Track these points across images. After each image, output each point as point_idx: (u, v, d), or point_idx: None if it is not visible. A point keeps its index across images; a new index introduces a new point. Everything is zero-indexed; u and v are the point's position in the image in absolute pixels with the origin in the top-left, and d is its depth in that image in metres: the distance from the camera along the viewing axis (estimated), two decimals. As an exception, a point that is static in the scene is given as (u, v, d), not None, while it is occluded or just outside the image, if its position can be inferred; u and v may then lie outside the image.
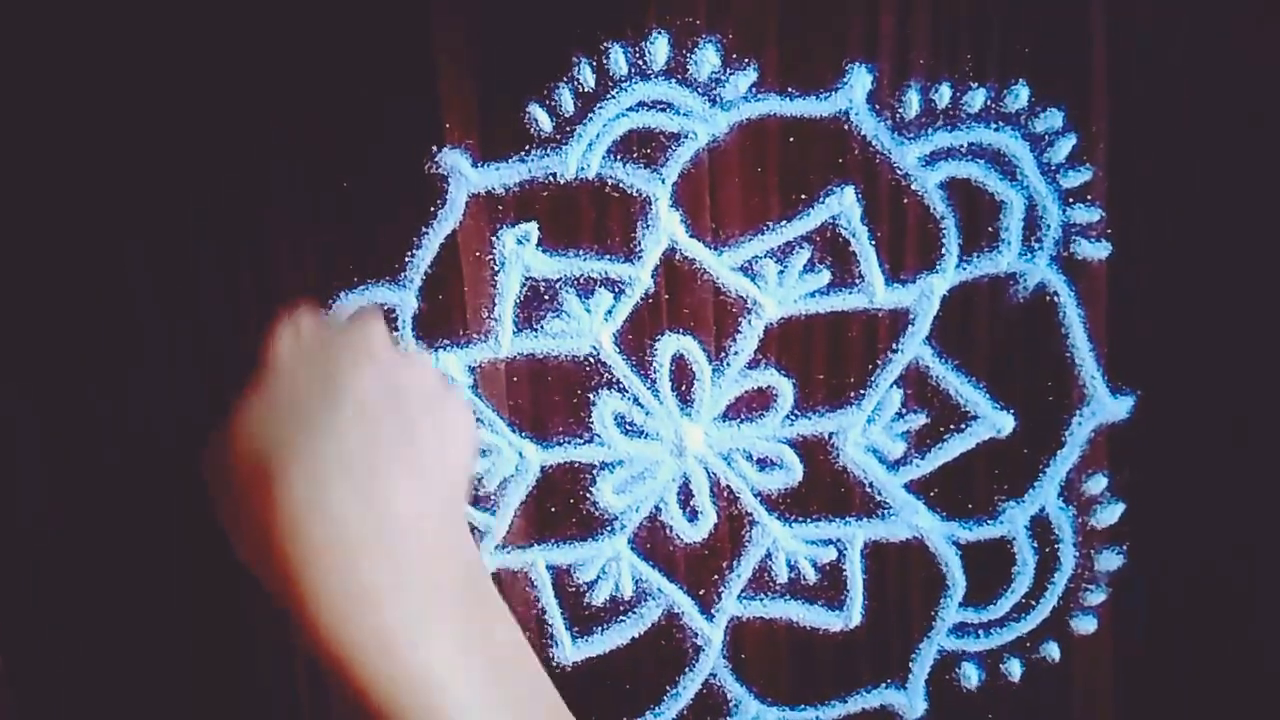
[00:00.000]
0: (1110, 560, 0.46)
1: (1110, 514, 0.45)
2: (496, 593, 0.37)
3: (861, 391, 0.44)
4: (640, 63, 0.42)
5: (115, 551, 0.43)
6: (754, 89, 0.42)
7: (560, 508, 0.45)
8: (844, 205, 0.43)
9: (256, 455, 0.34)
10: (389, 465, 0.34)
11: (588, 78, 0.42)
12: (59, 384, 0.42)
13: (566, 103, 0.42)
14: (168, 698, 0.44)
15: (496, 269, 0.43)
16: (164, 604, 0.44)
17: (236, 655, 0.44)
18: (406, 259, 0.42)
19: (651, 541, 0.45)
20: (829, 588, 0.46)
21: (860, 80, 0.42)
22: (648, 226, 0.43)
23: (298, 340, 0.37)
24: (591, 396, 0.44)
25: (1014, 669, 0.46)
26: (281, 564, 0.33)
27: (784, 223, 0.43)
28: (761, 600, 0.46)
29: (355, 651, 0.32)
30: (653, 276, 0.43)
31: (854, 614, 0.46)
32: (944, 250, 0.43)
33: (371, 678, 0.32)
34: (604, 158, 0.42)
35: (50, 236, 0.41)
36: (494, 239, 0.43)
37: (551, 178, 0.42)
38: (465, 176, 0.42)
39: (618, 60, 0.41)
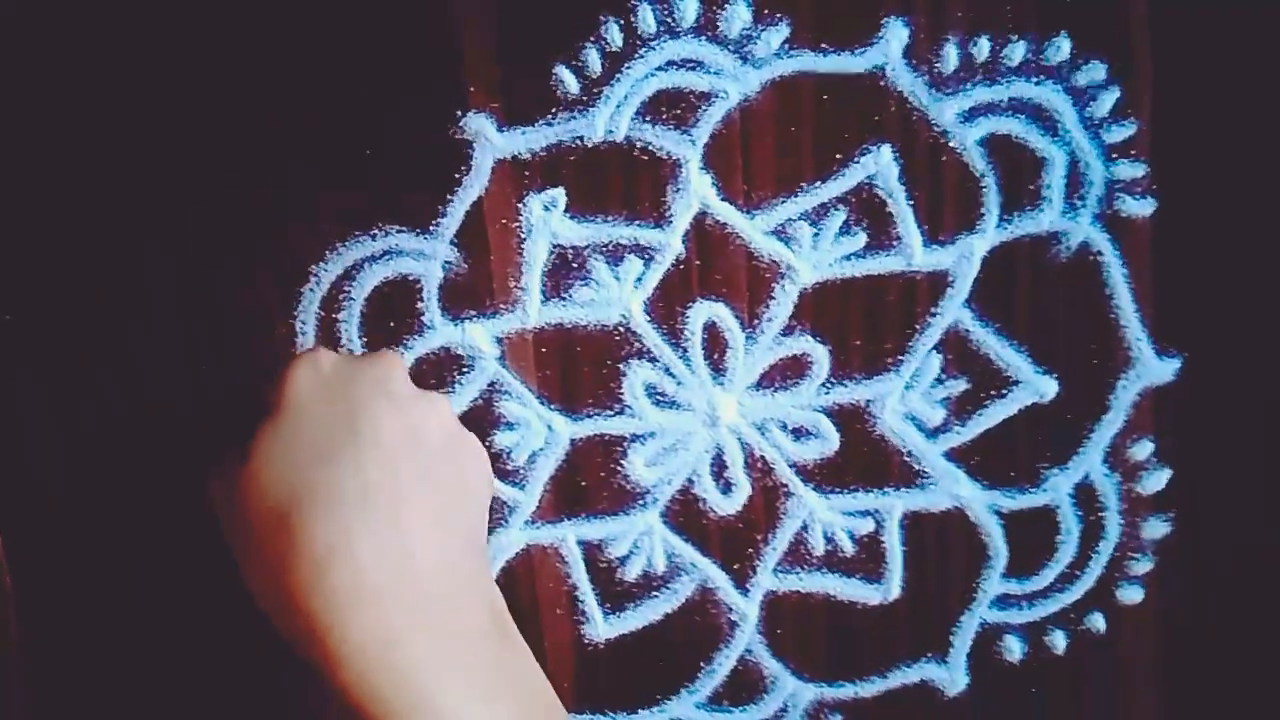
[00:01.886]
0: (1157, 528, 0.45)
1: (1156, 480, 0.44)
2: (516, 629, 0.37)
3: (899, 357, 0.43)
4: (669, 20, 0.40)
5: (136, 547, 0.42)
6: (786, 45, 0.41)
7: (591, 481, 0.44)
8: (880, 165, 0.42)
9: (275, 499, 0.33)
10: (409, 508, 0.34)
11: (615, 37, 0.40)
12: (71, 363, 0.41)
13: (593, 63, 0.41)
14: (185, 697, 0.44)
15: (523, 236, 0.42)
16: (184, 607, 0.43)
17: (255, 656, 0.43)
18: (431, 228, 0.41)
19: (684, 515, 0.44)
20: (867, 560, 0.45)
21: (896, 34, 0.41)
22: (678, 190, 0.42)
23: (317, 378, 0.36)
24: (622, 367, 0.43)
25: (1058, 641, 0.45)
26: (301, 613, 0.32)
27: (818, 184, 0.42)
28: (798, 574, 0.45)
29: (379, 697, 0.31)
30: (683, 242, 0.42)
31: (893, 587, 0.45)
32: (984, 210, 0.42)
33: None
34: (632, 119, 0.41)
35: (70, 207, 0.40)
36: (521, 206, 0.42)
37: (579, 141, 0.41)
38: (490, 142, 0.41)
39: (646, 18, 0.40)
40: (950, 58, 0.41)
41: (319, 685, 0.32)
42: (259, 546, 0.33)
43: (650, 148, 0.41)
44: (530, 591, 0.44)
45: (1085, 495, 0.44)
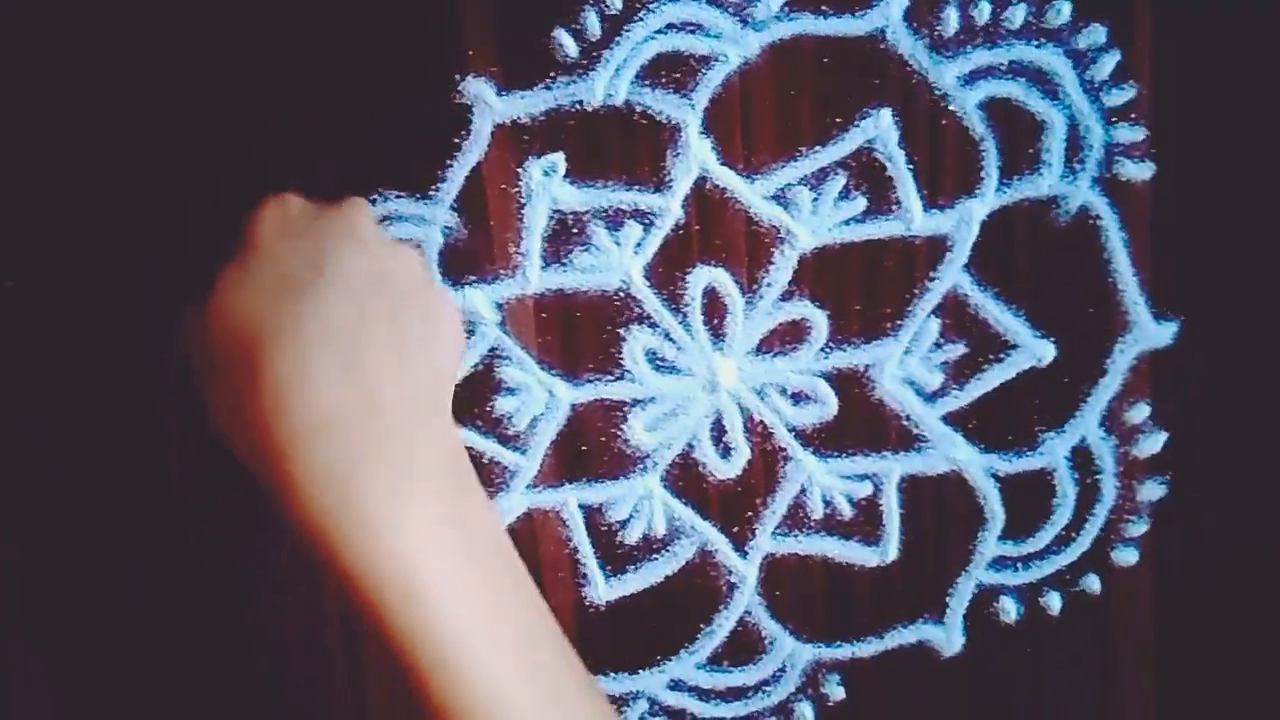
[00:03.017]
0: (1152, 491, 0.45)
1: (1152, 443, 0.45)
2: (480, 488, 0.37)
3: (898, 322, 0.43)
4: (668, -17, 0.40)
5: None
6: (786, 8, 0.41)
7: (592, 446, 0.44)
8: (880, 128, 0.42)
9: (240, 329, 0.33)
10: (373, 345, 0.34)
11: (614, 0, 0.40)
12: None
13: (593, 27, 0.40)
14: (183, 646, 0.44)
15: (523, 202, 0.42)
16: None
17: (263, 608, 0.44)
18: (431, 193, 0.41)
19: (684, 479, 0.45)
20: (865, 523, 0.45)
21: (897, -3, 0.40)
22: (677, 155, 0.42)
23: (284, 219, 0.36)
24: (622, 332, 0.43)
25: (1053, 602, 0.46)
26: (262, 439, 0.32)
27: (818, 148, 0.42)
28: (796, 536, 0.45)
29: (333, 530, 0.32)
30: (683, 207, 0.42)
31: (890, 549, 0.45)
32: (983, 173, 0.42)
33: (351, 557, 0.32)
34: (632, 84, 0.41)
35: (57, 155, 0.40)
36: (520, 171, 0.42)
37: (578, 106, 0.41)
38: (490, 106, 0.41)
39: (645, -19, 0.40)
40: (950, 20, 0.41)
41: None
42: (222, 377, 0.34)
43: (650, 112, 0.41)
44: (532, 554, 0.45)
45: (1081, 458, 0.45)
